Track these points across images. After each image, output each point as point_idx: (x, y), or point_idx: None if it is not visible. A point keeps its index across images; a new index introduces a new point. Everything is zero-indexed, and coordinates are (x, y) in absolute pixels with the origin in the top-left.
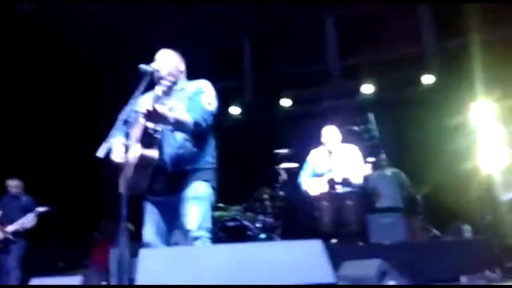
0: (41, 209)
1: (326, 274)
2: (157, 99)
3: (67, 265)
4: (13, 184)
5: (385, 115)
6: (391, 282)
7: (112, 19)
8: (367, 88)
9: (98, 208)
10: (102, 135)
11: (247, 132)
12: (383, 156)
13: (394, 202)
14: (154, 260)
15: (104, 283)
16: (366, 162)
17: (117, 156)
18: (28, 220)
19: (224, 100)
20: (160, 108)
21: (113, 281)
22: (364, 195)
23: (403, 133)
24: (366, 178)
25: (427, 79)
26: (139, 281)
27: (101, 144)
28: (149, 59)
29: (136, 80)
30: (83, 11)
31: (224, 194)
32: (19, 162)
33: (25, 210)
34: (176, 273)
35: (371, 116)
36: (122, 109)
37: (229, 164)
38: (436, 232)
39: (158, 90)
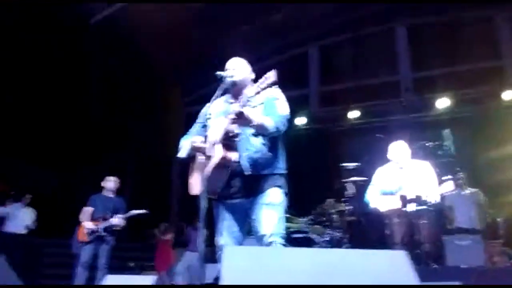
0: (137, 212)
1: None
2: (244, 103)
3: (137, 265)
4: (112, 179)
5: (462, 132)
6: None
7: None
8: (442, 102)
9: (162, 211)
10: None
11: (313, 144)
12: (461, 174)
13: (472, 224)
14: (239, 258)
15: (173, 282)
16: (442, 180)
17: (200, 155)
18: (120, 220)
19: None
20: (248, 112)
21: (180, 281)
22: (440, 215)
23: (482, 152)
24: (442, 197)
25: (509, 95)
26: (224, 278)
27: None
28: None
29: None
30: (149, 13)
31: (290, 205)
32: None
33: (115, 210)
34: (260, 272)
35: (446, 132)
36: (192, 112)
37: (294, 175)
38: None
39: (236, 97)
